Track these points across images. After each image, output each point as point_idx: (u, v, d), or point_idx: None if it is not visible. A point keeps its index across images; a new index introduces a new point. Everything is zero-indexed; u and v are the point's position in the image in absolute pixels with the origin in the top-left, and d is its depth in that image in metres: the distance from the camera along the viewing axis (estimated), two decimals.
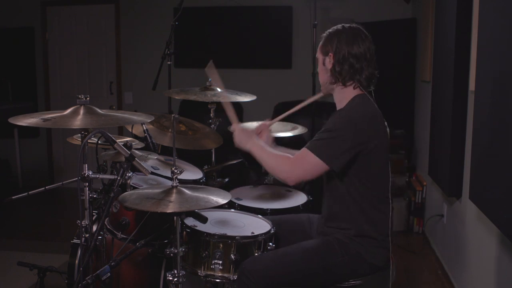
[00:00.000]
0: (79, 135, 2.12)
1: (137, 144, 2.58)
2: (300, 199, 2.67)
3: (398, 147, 4.61)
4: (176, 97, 2.90)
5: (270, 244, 2.08)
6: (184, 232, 2.09)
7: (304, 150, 1.95)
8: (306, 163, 1.93)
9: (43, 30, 6.09)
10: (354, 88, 2.03)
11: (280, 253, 2.01)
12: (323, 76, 2.09)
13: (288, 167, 1.96)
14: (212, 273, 2.01)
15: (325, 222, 2.12)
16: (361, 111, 1.96)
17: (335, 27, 2.07)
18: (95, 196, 2.50)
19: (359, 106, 1.99)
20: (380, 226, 2.00)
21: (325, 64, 2.06)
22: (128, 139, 2.61)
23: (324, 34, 2.09)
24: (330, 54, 2.02)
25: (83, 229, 1.88)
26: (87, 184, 1.86)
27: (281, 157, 2.02)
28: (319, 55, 2.09)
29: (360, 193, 1.97)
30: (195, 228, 2.08)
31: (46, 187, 2.51)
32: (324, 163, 1.90)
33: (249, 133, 2.16)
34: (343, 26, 2.06)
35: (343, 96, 2.05)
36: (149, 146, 2.50)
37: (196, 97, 2.77)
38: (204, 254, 2.01)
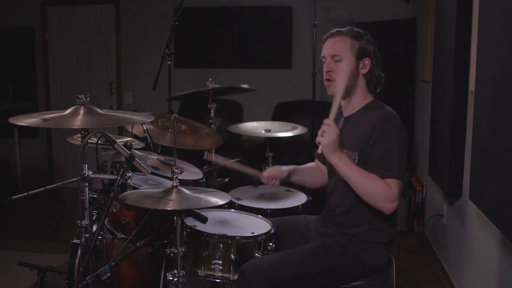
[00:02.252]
0: (79, 135, 2.12)
1: (137, 144, 2.58)
2: (300, 199, 2.67)
3: None
4: (178, 97, 2.90)
5: (270, 244, 2.08)
6: (184, 232, 2.09)
7: (393, 181, 1.84)
8: (397, 190, 1.84)
9: (43, 30, 6.09)
10: (370, 93, 2.04)
11: (280, 256, 2.00)
12: (349, 79, 1.97)
13: (389, 195, 1.83)
14: (212, 273, 2.01)
15: (327, 223, 2.11)
16: (394, 113, 1.96)
17: (348, 28, 2.02)
18: (95, 196, 2.50)
19: (386, 108, 1.99)
20: (386, 229, 2.00)
21: (358, 68, 1.99)
22: (128, 139, 2.61)
23: (346, 34, 1.99)
24: (366, 59, 1.98)
25: (83, 229, 1.88)
26: (87, 184, 1.86)
27: (378, 180, 1.84)
28: (346, 55, 1.98)
29: None
30: (195, 228, 2.08)
31: (46, 187, 2.50)
32: (401, 181, 1.87)
33: (338, 144, 1.91)
34: (360, 30, 2.02)
35: (361, 101, 2.03)
36: (149, 146, 2.50)
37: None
38: (204, 254, 2.01)
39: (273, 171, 2.28)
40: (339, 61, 1.99)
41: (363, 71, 2.00)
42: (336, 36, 2.02)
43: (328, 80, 2.02)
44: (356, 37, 1.99)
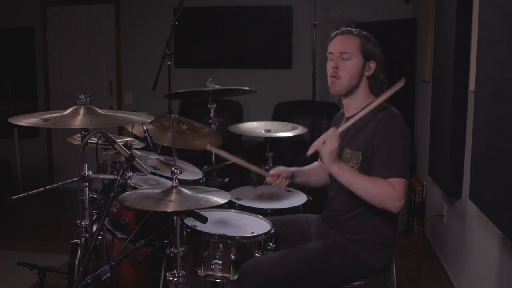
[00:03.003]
0: (79, 135, 2.12)
1: (137, 144, 2.58)
2: (300, 199, 2.67)
3: None
4: (176, 93, 2.90)
5: (270, 244, 2.08)
6: (184, 232, 2.09)
7: (396, 180, 1.84)
8: (402, 188, 1.85)
9: (43, 30, 6.09)
10: (372, 94, 2.05)
11: (280, 255, 2.00)
12: (354, 78, 1.98)
13: (394, 194, 1.82)
14: (212, 273, 2.01)
15: (328, 223, 2.11)
16: (397, 113, 1.97)
17: (358, 30, 2.03)
18: (95, 196, 2.50)
19: (390, 108, 2.00)
20: (386, 230, 2.00)
21: (363, 69, 2.00)
22: (128, 139, 2.61)
23: (357, 34, 2.00)
24: (372, 61, 2.00)
25: (83, 229, 1.88)
26: (87, 184, 1.86)
27: (380, 182, 1.84)
28: (355, 54, 1.98)
29: None
30: (195, 228, 2.08)
31: (46, 187, 2.51)
32: (406, 179, 1.87)
33: (338, 155, 1.90)
34: (368, 33, 2.04)
35: (363, 102, 2.04)
36: (149, 146, 2.50)
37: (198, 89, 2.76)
38: (204, 254, 2.01)
39: (278, 169, 2.26)
40: (347, 59, 1.99)
41: (368, 73, 2.01)
42: (347, 35, 2.03)
43: (333, 76, 2.02)
44: (366, 39, 2.01)
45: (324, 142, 1.88)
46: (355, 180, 1.87)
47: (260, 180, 2.99)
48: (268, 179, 2.26)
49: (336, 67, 2.00)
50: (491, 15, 2.31)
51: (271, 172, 2.25)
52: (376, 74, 2.02)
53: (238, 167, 2.38)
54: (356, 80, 2.00)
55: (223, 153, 2.29)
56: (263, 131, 2.92)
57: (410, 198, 4.43)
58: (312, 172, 2.37)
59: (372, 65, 2.01)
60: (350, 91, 2.03)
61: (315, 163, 2.42)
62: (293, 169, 2.30)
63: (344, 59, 1.99)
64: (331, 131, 1.90)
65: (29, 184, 5.93)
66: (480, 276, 2.74)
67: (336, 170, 1.88)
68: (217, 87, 2.91)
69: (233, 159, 2.31)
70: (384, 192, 1.83)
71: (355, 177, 1.88)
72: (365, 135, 1.95)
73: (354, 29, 2.05)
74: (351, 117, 2.06)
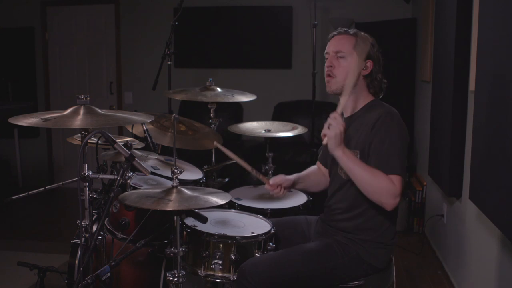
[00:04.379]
0: (79, 135, 2.12)
1: (137, 144, 2.58)
2: (300, 199, 2.67)
3: None
4: (177, 98, 2.90)
5: (270, 244, 2.08)
6: (184, 232, 2.09)
7: (396, 177, 1.85)
8: (400, 186, 1.85)
9: (43, 30, 6.09)
10: (366, 97, 2.06)
11: (279, 255, 2.00)
12: (350, 77, 1.98)
13: (392, 191, 1.82)
14: (212, 273, 2.01)
15: (327, 223, 2.11)
16: (395, 111, 1.98)
17: (355, 30, 2.04)
18: (95, 196, 2.50)
19: (387, 106, 2.01)
20: (386, 229, 2.01)
21: (360, 67, 1.99)
22: (128, 139, 2.61)
23: (353, 34, 2.02)
24: (369, 61, 2.00)
25: (83, 229, 1.88)
26: (87, 184, 1.86)
27: (382, 175, 1.83)
28: (350, 53, 1.99)
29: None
30: (195, 228, 2.08)
31: (46, 187, 2.51)
32: (403, 178, 1.88)
33: (342, 138, 1.89)
34: (366, 34, 2.05)
35: (361, 101, 2.05)
36: (149, 146, 2.50)
37: (197, 97, 2.76)
38: (204, 254, 2.01)
39: (278, 179, 2.25)
40: (342, 58, 2.01)
41: (364, 72, 2.01)
42: (342, 35, 2.05)
43: (329, 75, 2.03)
44: (362, 39, 2.02)
45: (329, 127, 1.88)
46: (357, 169, 1.86)
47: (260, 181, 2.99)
48: (267, 187, 2.26)
49: (331, 66, 2.02)
50: (491, 15, 2.31)
51: (271, 181, 2.24)
52: (373, 73, 2.02)
53: (238, 167, 2.38)
54: (352, 79, 2.00)
55: (227, 152, 2.30)
56: (263, 131, 2.92)
57: (410, 198, 4.43)
58: (312, 177, 2.36)
59: (369, 64, 2.01)
60: (351, 91, 2.02)
61: (313, 167, 2.42)
62: (293, 177, 2.29)
63: (339, 57, 2.01)
64: (334, 114, 1.90)
65: (29, 184, 5.93)
66: (480, 276, 2.74)
67: (340, 154, 1.88)
68: (218, 90, 2.90)
69: (236, 159, 2.31)
70: (383, 186, 1.83)
71: (357, 166, 1.87)
72: (363, 134, 1.96)
73: (351, 30, 2.06)
74: (350, 117, 2.06)
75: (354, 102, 2.06)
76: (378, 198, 1.85)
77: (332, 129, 1.87)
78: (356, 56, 1.99)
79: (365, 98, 2.05)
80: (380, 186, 1.83)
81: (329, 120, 1.90)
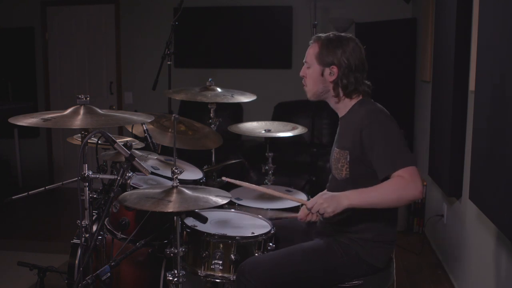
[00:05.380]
0: (79, 135, 2.12)
1: (137, 144, 2.58)
2: (300, 199, 2.67)
3: None
4: (176, 98, 2.90)
5: (270, 244, 2.08)
6: (184, 232, 2.09)
7: (403, 170, 1.82)
8: (411, 175, 1.83)
9: (43, 30, 6.09)
10: (353, 98, 2.04)
11: (279, 254, 2.00)
12: (317, 85, 2.03)
13: (407, 185, 1.80)
14: (212, 273, 2.01)
15: (327, 222, 2.11)
16: (380, 108, 1.98)
17: (326, 35, 2.04)
18: (95, 196, 2.50)
19: (374, 105, 2.00)
20: (386, 229, 2.01)
21: (323, 75, 2.01)
22: (128, 139, 2.61)
23: (318, 41, 2.03)
24: (333, 67, 1.99)
25: (83, 229, 1.88)
26: (87, 184, 1.86)
27: (394, 183, 1.82)
28: (312, 63, 2.03)
29: None
30: (195, 228, 2.08)
31: (46, 187, 2.51)
32: (412, 165, 1.86)
33: (331, 196, 1.87)
34: (336, 34, 2.03)
35: (343, 104, 2.06)
36: (149, 146, 2.50)
37: (196, 97, 2.76)
38: (204, 254, 2.01)
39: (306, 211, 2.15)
40: (309, 68, 2.06)
41: (330, 78, 2.01)
42: (312, 43, 2.07)
43: (304, 85, 2.11)
44: (325, 46, 2.00)
45: (321, 216, 1.89)
46: (371, 195, 1.83)
47: (260, 180, 2.99)
48: (301, 218, 2.18)
49: (303, 76, 2.09)
50: (491, 15, 2.31)
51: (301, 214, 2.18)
52: (339, 78, 2.00)
53: (239, 167, 2.38)
54: (320, 86, 2.04)
55: (244, 184, 2.16)
56: (263, 131, 2.92)
57: None
58: None
59: (334, 70, 2.00)
60: (321, 96, 2.08)
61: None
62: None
63: (307, 68, 2.06)
64: (302, 215, 2.10)
65: (29, 184, 5.93)
66: (480, 276, 2.74)
67: (347, 204, 1.84)
68: (218, 90, 2.91)
69: (262, 190, 2.21)
70: (398, 187, 1.81)
71: (369, 194, 1.84)
72: (351, 134, 1.95)
73: (324, 35, 2.05)
74: (342, 117, 2.07)
75: (338, 104, 2.07)
76: (403, 198, 1.82)
77: (325, 210, 1.83)
78: (317, 64, 2.02)
79: (352, 99, 2.04)
80: (395, 188, 1.81)
81: (308, 218, 2.10)
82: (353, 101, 2.04)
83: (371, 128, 1.89)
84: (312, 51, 2.05)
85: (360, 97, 2.05)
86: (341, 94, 2.03)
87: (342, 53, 1.98)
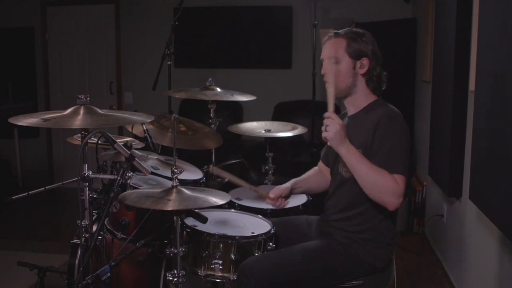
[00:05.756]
0: (79, 135, 2.12)
1: (137, 144, 2.58)
2: (300, 199, 2.67)
3: None
4: (177, 96, 2.90)
5: (270, 244, 2.08)
6: (184, 232, 2.09)
7: (399, 176, 1.84)
8: (404, 186, 1.86)
9: (43, 30, 6.09)
10: (372, 93, 2.05)
11: (280, 253, 2.01)
12: (347, 79, 2.00)
13: (396, 190, 1.82)
14: (212, 273, 2.01)
15: (328, 222, 2.11)
16: (398, 112, 1.98)
17: (345, 30, 2.03)
18: (95, 196, 2.50)
19: (390, 106, 2.00)
20: (386, 229, 2.01)
21: (355, 68, 2.00)
22: (128, 139, 2.61)
23: (342, 36, 2.00)
24: (364, 59, 1.99)
25: (83, 229, 1.88)
26: (87, 184, 1.86)
27: (386, 174, 1.83)
28: (343, 57, 1.99)
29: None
30: (195, 228, 2.08)
31: (46, 187, 2.51)
32: (406, 178, 1.88)
33: (344, 134, 1.88)
34: (353, 29, 2.03)
35: (363, 100, 2.05)
36: (149, 146, 2.50)
37: (196, 96, 2.77)
38: (204, 254, 2.01)
39: (277, 191, 2.24)
40: (337, 63, 2.00)
41: (361, 71, 2.01)
42: (333, 38, 2.04)
43: (326, 81, 2.03)
44: (353, 38, 2.00)
45: (326, 128, 1.87)
46: (362, 167, 1.85)
47: (260, 180, 2.99)
48: (269, 201, 2.26)
49: (326, 73, 2.02)
50: (491, 15, 2.31)
51: (271, 195, 2.24)
52: (370, 70, 2.01)
53: (239, 167, 2.38)
54: (350, 80, 2.01)
55: (227, 175, 2.30)
56: (263, 131, 2.92)
57: (410, 198, 4.43)
58: (312, 179, 2.36)
59: (365, 62, 2.00)
60: (348, 91, 2.04)
61: (315, 168, 2.41)
62: (290, 183, 2.29)
63: (334, 63, 2.01)
64: (327, 114, 1.89)
65: (29, 184, 5.93)
66: (480, 276, 2.74)
67: (344, 152, 1.87)
68: (218, 90, 2.91)
69: (234, 179, 2.31)
70: (387, 185, 1.82)
71: (362, 164, 1.85)
72: (365, 133, 1.95)
73: (341, 31, 2.04)
74: (353, 115, 2.06)
75: (356, 101, 2.06)
76: (381, 197, 1.84)
77: (330, 130, 1.86)
78: (349, 58, 2.00)
79: (367, 97, 2.05)
80: (384, 184, 1.83)
81: (325, 122, 1.89)
82: (368, 100, 2.04)
83: (385, 128, 1.90)
84: (339, 46, 2.00)
85: (375, 97, 2.05)
86: (367, 88, 2.03)
87: (370, 44, 2.00)
